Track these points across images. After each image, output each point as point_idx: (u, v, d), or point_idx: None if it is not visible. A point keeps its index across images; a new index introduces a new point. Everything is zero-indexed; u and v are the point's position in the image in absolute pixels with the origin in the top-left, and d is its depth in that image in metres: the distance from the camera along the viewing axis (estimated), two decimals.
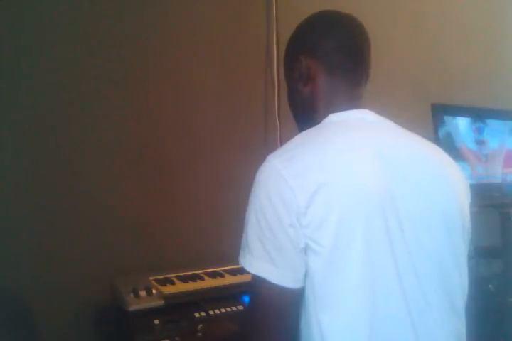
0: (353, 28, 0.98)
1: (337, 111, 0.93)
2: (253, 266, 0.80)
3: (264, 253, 0.79)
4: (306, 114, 0.99)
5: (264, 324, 0.81)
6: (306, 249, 0.78)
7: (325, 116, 0.94)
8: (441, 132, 1.93)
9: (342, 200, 0.77)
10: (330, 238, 0.76)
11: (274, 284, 0.78)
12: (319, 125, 0.92)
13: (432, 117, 1.92)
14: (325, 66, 0.95)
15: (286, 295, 0.79)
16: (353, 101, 0.96)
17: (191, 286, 1.38)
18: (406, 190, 0.84)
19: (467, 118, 2.05)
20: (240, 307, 1.33)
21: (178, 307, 1.29)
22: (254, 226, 0.81)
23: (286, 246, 0.78)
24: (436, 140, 1.88)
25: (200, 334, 1.19)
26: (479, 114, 2.10)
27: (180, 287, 1.36)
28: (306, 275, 0.80)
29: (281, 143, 1.78)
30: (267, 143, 1.83)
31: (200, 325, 1.20)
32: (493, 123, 2.13)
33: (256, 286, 0.81)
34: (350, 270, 0.77)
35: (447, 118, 1.97)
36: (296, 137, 0.89)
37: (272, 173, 0.81)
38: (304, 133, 0.90)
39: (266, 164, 0.83)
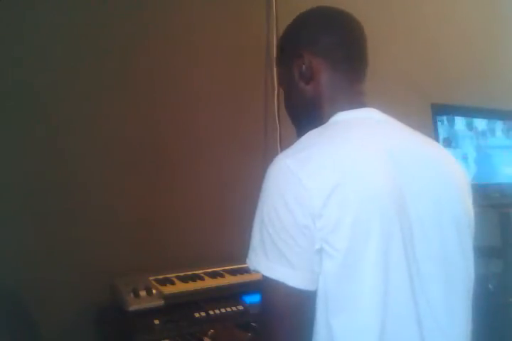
0: (349, 23, 0.95)
1: (343, 110, 0.91)
2: (270, 269, 0.77)
3: (280, 256, 0.76)
4: (309, 114, 0.96)
5: (281, 327, 0.77)
6: (320, 251, 0.76)
7: (330, 115, 0.91)
8: (441, 132, 1.93)
9: (356, 202, 0.75)
10: (345, 241, 0.74)
11: (291, 287, 0.75)
12: (327, 124, 0.90)
13: (432, 117, 1.92)
14: (328, 61, 0.92)
15: (303, 298, 0.76)
16: (358, 99, 0.94)
17: (191, 286, 1.38)
18: (415, 189, 0.83)
19: (467, 118, 2.05)
20: (240, 308, 1.33)
21: (178, 307, 1.29)
22: (269, 228, 0.77)
23: (304, 248, 0.75)
24: (436, 140, 1.88)
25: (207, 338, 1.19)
26: (479, 114, 2.10)
27: (180, 287, 1.36)
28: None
29: (281, 143, 1.80)
30: (267, 143, 1.83)
31: (211, 331, 1.19)
32: (492, 123, 2.13)
33: (271, 290, 0.77)
34: (365, 273, 0.75)
35: (447, 118, 1.98)
36: (305, 136, 0.86)
37: (285, 174, 0.78)
38: (313, 132, 0.87)
39: (278, 164, 0.80)
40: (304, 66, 0.93)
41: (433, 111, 1.92)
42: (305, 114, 0.97)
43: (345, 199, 0.75)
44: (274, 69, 1.83)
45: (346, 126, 0.88)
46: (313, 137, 0.85)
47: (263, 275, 0.78)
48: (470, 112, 2.08)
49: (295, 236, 0.75)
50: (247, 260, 0.81)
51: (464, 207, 0.90)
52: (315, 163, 0.77)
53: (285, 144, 0.87)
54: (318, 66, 0.92)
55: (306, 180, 0.75)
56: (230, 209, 1.67)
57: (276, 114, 1.82)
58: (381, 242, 0.76)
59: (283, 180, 0.78)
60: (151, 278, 1.40)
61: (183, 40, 1.68)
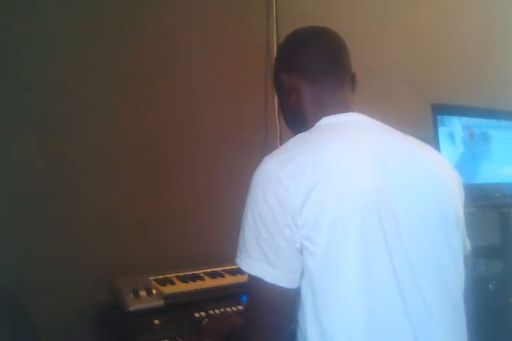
0: (323, 37, 1.03)
1: (328, 115, 0.96)
2: (249, 265, 0.83)
3: (260, 253, 0.81)
4: (297, 123, 1.03)
5: (260, 322, 0.84)
6: (301, 249, 0.80)
7: (316, 120, 0.97)
8: (441, 132, 1.93)
9: (335, 199, 0.79)
10: (325, 237, 0.78)
11: (269, 284, 0.80)
12: (313, 128, 0.95)
13: (432, 117, 1.92)
14: (303, 76, 1.00)
15: (282, 295, 0.81)
16: (342, 104, 0.98)
17: (191, 286, 1.38)
18: (401, 188, 0.86)
19: (467, 118, 2.05)
20: (240, 307, 1.33)
21: (178, 307, 1.29)
22: (251, 226, 0.83)
23: (282, 247, 0.80)
24: (436, 140, 1.88)
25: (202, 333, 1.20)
26: (479, 114, 2.10)
27: (180, 287, 1.37)
28: (302, 274, 0.82)
29: (281, 143, 1.78)
30: (267, 143, 1.83)
31: (206, 320, 1.21)
32: (493, 123, 2.13)
33: (252, 286, 0.83)
34: (345, 268, 0.79)
35: (447, 118, 1.98)
36: (291, 140, 0.92)
37: (268, 174, 0.84)
38: (298, 135, 0.93)
39: (262, 165, 0.86)
40: (283, 85, 1.03)
41: (433, 111, 1.92)
42: (295, 123, 1.06)
43: (324, 197, 0.79)
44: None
45: (329, 129, 0.93)
46: (297, 140, 0.91)
47: (247, 273, 0.83)
48: (470, 112, 2.08)
49: (275, 235, 0.80)
50: (235, 258, 0.87)
51: (452, 205, 0.92)
52: (295, 164, 0.82)
53: None
54: (296, 82, 1.01)
55: (286, 181, 0.80)
56: (229, 209, 1.66)
57: (276, 113, 1.82)
58: (361, 238, 0.79)
59: (265, 181, 0.83)
60: (151, 278, 1.41)
61: (183, 40, 1.68)
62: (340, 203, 0.79)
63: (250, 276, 0.83)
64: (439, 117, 1.93)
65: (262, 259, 0.81)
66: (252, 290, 0.84)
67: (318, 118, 0.96)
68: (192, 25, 1.69)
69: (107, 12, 1.54)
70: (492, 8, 2.67)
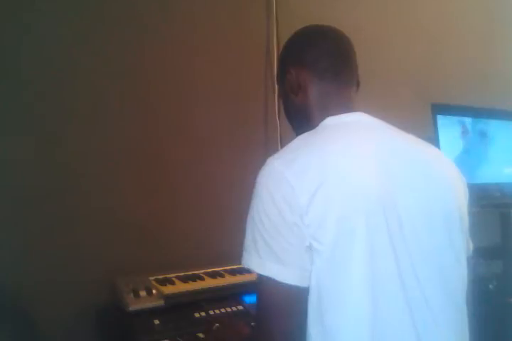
0: (332, 35, 1.03)
1: (332, 115, 0.96)
2: (261, 266, 0.81)
3: (270, 253, 0.80)
4: (302, 121, 1.03)
5: (274, 323, 0.82)
6: (310, 248, 0.80)
7: (320, 120, 0.96)
8: (441, 132, 1.93)
9: (341, 199, 0.79)
10: (330, 236, 0.78)
11: (282, 283, 0.79)
12: (317, 128, 0.95)
13: (432, 117, 1.92)
14: (314, 72, 1.00)
15: (295, 294, 0.80)
16: (347, 104, 0.99)
17: (191, 286, 1.38)
18: (405, 189, 0.86)
19: (467, 118, 2.05)
20: (240, 307, 1.34)
21: (178, 307, 1.29)
22: (259, 226, 0.82)
23: (293, 244, 0.79)
24: (436, 140, 1.88)
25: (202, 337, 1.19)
26: (479, 114, 2.10)
27: (180, 287, 1.36)
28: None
29: (281, 143, 1.80)
30: (267, 143, 1.83)
31: (216, 325, 1.20)
32: (493, 123, 2.13)
33: (264, 287, 0.82)
34: (351, 267, 0.79)
35: (447, 118, 1.97)
36: (295, 140, 0.91)
37: (273, 174, 0.83)
38: (303, 135, 0.92)
39: (267, 166, 0.85)
40: (291, 80, 1.01)
41: (433, 111, 1.92)
42: (298, 121, 1.05)
43: (330, 196, 0.79)
44: (275, 69, 1.84)
45: (334, 130, 0.93)
46: (301, 140, 0.91)
47: (256, 273, 0.82)
48: (470, 112, 2.08)
49: (284, 233, 0.79)
50: (241, 259, 0.85)
51: (456, 206, 0.92)
52: (301, 163, 0.82)
53: (285, 144, 0.90)
54: (305, 78, 1.00)
55: (292, 180, 0.80)
56: (230, 209, 1.66)
57: (277, 114, 1.82)
58: (366, 237, 0.79)
59: (271, 180, 0.83)
60: (151, 278, 1.41)
61: (184, 41, 1.68)
62: (346, 203, 0.79)
63: (261, 277, 0.81)
64: (439, 117, 1.93)
65: (273, 259, 0.80)
66: (264, 291, 0.82)
67: (323, 118, 0.96)
68: (192, 26, 1.69)
69: (107, 13, 1.54)
70: (492, 8, 2.67)
